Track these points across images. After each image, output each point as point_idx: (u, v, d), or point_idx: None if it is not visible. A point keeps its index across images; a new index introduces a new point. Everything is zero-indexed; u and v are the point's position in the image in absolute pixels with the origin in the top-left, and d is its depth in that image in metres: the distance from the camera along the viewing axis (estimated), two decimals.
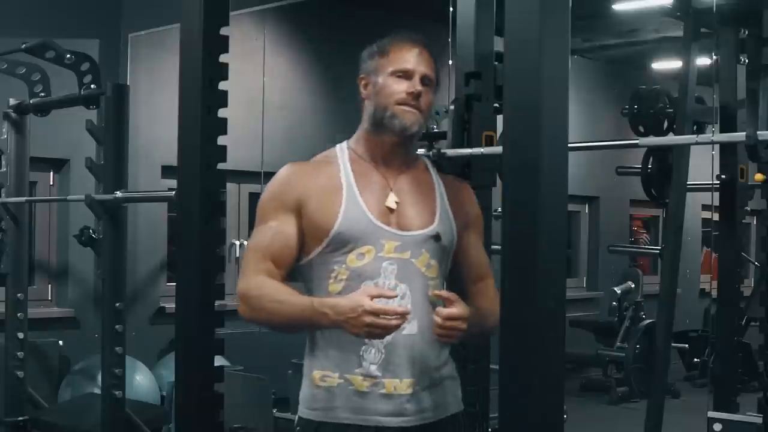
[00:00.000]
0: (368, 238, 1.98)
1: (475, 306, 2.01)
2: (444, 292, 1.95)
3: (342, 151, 2.10)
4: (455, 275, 2.12)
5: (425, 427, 2.01)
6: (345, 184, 2.02)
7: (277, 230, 2.03)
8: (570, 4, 1.58)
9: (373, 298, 1.86)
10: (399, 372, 1.97)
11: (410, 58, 2.05)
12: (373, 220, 2.00)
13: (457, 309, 1.92)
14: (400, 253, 1.99)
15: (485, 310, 2.02)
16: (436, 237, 2.03)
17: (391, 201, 2.03)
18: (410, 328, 1.97)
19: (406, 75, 2.04)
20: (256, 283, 2.00)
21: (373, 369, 1.96)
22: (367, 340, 1.96)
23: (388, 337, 1.94)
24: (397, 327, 1.88)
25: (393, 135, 2.05)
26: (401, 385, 1.97)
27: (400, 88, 2.03)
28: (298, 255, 2.03)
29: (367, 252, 1.98)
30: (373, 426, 1.98)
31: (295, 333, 2.04)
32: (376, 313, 1.85)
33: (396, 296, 1.94)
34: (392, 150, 2.07)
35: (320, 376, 2.01)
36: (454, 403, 2.08)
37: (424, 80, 2.05)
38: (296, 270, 2.06)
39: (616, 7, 6.89)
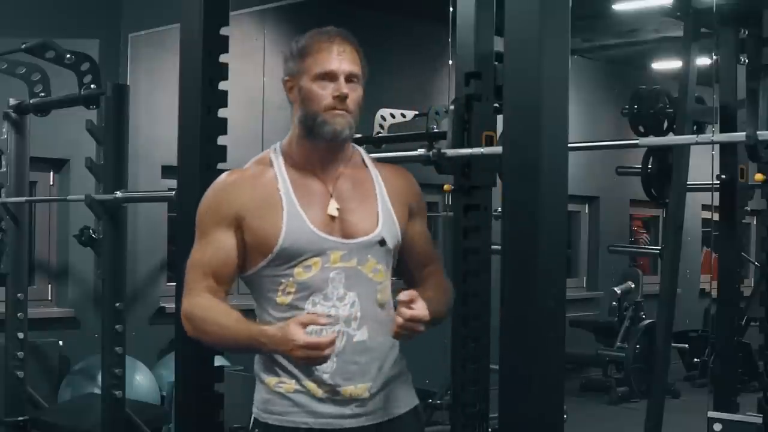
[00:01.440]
0: (313, 249, 1.95)
1: (426, 295, 1.99)
2: (406, 294, 1.90)
3: (276, 156, 2.04)
4: (401, 264, 2.10)
5: (388, 423, 2.02)
6: (284, 196, 1.97)
7: (217, 246, 1.98)
8: (570, 4, 1.58)
9: (306, 325, 1.84)
10: (354, 378, 1.97)
11: (331, 57, 1.98)
12: (316, 231, 1.96)
13: (420, 311, 1.88)
14: (347, 261, 1.97)
15: (435, 298, 2.01)
16: (381, 242, 1.99)
17: (333, 208, 1.99)
18: (360, 334, 1.96)
19: (330, 77, 1.97)
20: (200, 304, 1.98)
21: (326, 378, 1.96)
22: None
23: (340, 346, 1.94)
24: (329, 355, 1.86)
25: (325, 141, 2.00)
26: (357, 390, 1.97)
27: (326, 92, 1.97)
28: (242, 268, 2.01)
29: (314, 264, 1.96)
30: (336, 429, 1.98)
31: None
32: (307, 347, 1.84)
33: (329, 323, 1.91)
34: (327, 154, 2.02)
35: (275, 383, 2.00)
36: (410, 398, 2.08)
37: (349, 78, 1.98)
38: (245, 281, 2.04)
39: (616, 7, 6.89)
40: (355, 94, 1.99)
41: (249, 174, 2.02)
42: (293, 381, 1.98)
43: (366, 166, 2.08)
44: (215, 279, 1.99)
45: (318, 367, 1.94)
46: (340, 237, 1.98)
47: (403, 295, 1.89)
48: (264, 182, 1.99)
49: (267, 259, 1.96)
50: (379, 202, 2.03)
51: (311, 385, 1.97)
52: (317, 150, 2.02)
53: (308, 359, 1.86)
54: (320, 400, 1.97)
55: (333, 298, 1.96)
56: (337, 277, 1.96)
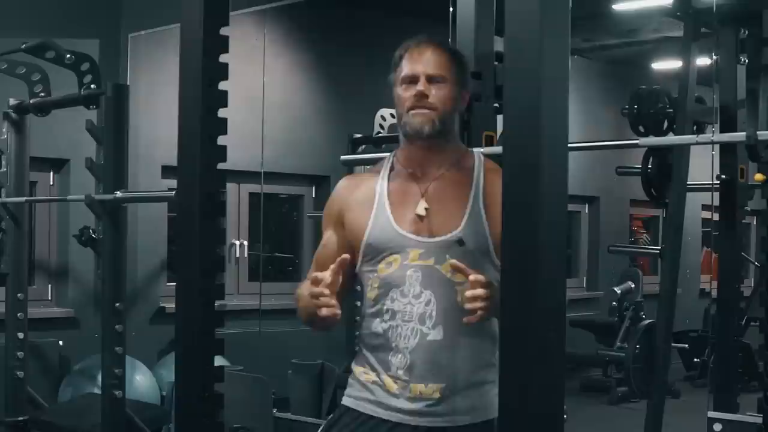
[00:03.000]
0: (394, 246, 2.04)
1: None
2: (459, 264, 1.93)
3: (389, 159, 2.17)
4: None
5: (456, 430, 2.03)
6: (378, 195, 2.09)
7: (325, 242, 2.18)
8: (570, 4, 1.57)
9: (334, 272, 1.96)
10: (425, 377, 2.01)
11: (415, 62, 2.06)
12: (398, 228, 2.04)
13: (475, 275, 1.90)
14: (424, 260, 2.02)
15: None
16: (460, 242, 2.01)
17: (421, 208, 2.05)
18: (435, 333, 2.00)
19: (413, 80, 2.05)
20: (300, 286, 2.15)
21: (401, 373, 2.02)
22: (393, 345, 2.02)
23: (413, 343, 2.00)
24: (326, 295, 1.93)
25: (414, 140, 2.07)
26: (427, 390, 2.01)
27: (409, 93, 2.05)
28: (352, 266, 2.09)
29: (394, 260, 2.04)
30: (395, 421, 2.03)
31: (322, 328, 2.08)
32: (313, 280, 1.97)
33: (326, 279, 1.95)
34: (425, 155, 2.09)
35: (360, 371, 2.11)
36: (490, 409, 2.04)
37: (432, 79, 2.04)
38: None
39: (616, 7, 6.89)
40: (440, 92, 2.04)
41: (359, 177, 2.25)
42: (374, 374, 2.07)
43: (472, 171, 2.09)
44: (321, 271, 2.10)
45: (393, 361, 2.02)
46: (425, 236, 2.03)
47: (459, 264, 1.93)
48: (368, 184, 2.14)
49: (360, 254, 2.09)
50: (469, 204, 2.05)
51: (387, 380, 2.04)
52: (415, 151, 2.10)
53: (312, 295, 1.94)
54: (393, 394, 2.03)
55: (409, 295, 2.02)
56: (414, 275, 2.02)
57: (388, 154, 2.19)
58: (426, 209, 2.04)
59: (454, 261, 1.94)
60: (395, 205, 2.07)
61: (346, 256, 1.99)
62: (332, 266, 1.96)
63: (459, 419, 2.02)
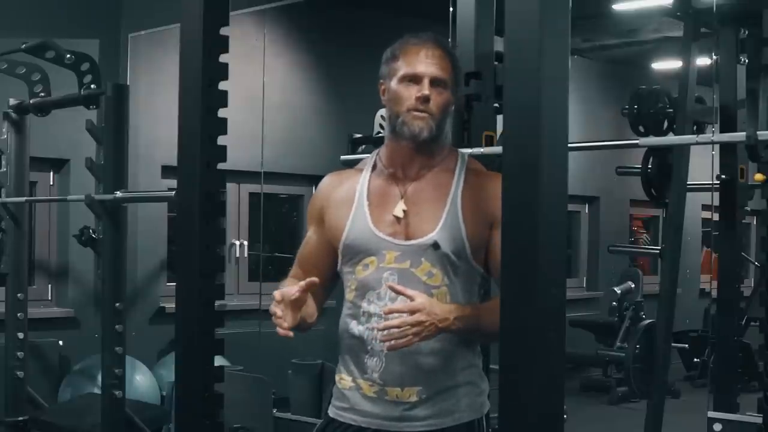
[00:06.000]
0: (371, 248, 2.02)
1: (485, 306, 1.99)
2: (396, 285, 1.94)
3: (371, 157, 2.13)
4: (492, 275, 2.06)
5: None
6: (357, 196, 2.06)
7: (306, 240, 2.16)
8: (570, 4, 1.58)
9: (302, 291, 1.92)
10: (401, 380, 1.99)
11: (419, 61, 2.01)
12: (375, 231, 2.02)
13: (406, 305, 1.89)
14: (400, 263, 2.00)
15: (487, 309, 1.96)
16: (435, 245, 1.99)
17: (399, 210, 2.02)
18: None
19: (415, 79, 2.00)
20: (280, 288, 2.07)
21: (376, 376, 2.00)
22: (369, 348, 2.01)
23: (389, 345, 1.96)
24: (279, 314, 1.91)
25: (406, 141, 2.03)
26: (403, 393, 1.99)
27: (409, 93, 2.00)
28: (333, 263, 2.10)
29: (371, 262, 2.02)
30: (374, 429, 2.02)
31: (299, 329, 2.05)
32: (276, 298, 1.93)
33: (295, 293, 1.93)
34: (410, 155, 2.05)
35: (339, 378, 2.10)
36: (469, 410, 2.05)
37: (435, 82, 2.01)
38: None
39: (616, 7, 6.89)
40: (440, 98, 2.01)
41: (343, 175, 2.16)
42: (350, 378, 2.05)
43: (453, 172, 2.06)
44: (302, 269, 2.14)
45: (368, 364, 2.00)
46: (401, 239, 2.00)
47: (396, 285, 1.95)
48: (350, 182, 2.10)
49: (340, 254, 2.07)
50: (447, 207, 2.01)
51: (363, 383, 2.02)
52: (401, 150, 2.06)
53: (270, 312, 1.91)
54: (369, 398, 2.01)
55: (385, 298, 2.00)
56: (391, 278, 1.99)
57: (376, 150, 2.15)
58: (404, 211, 2.02)
59: (391, 283, 1.95)
60: (374, 206, 2.04)
61: (314, 279, 1.93)
62: (301, 283, 1.92)
63: (439, 422, 2.01)
